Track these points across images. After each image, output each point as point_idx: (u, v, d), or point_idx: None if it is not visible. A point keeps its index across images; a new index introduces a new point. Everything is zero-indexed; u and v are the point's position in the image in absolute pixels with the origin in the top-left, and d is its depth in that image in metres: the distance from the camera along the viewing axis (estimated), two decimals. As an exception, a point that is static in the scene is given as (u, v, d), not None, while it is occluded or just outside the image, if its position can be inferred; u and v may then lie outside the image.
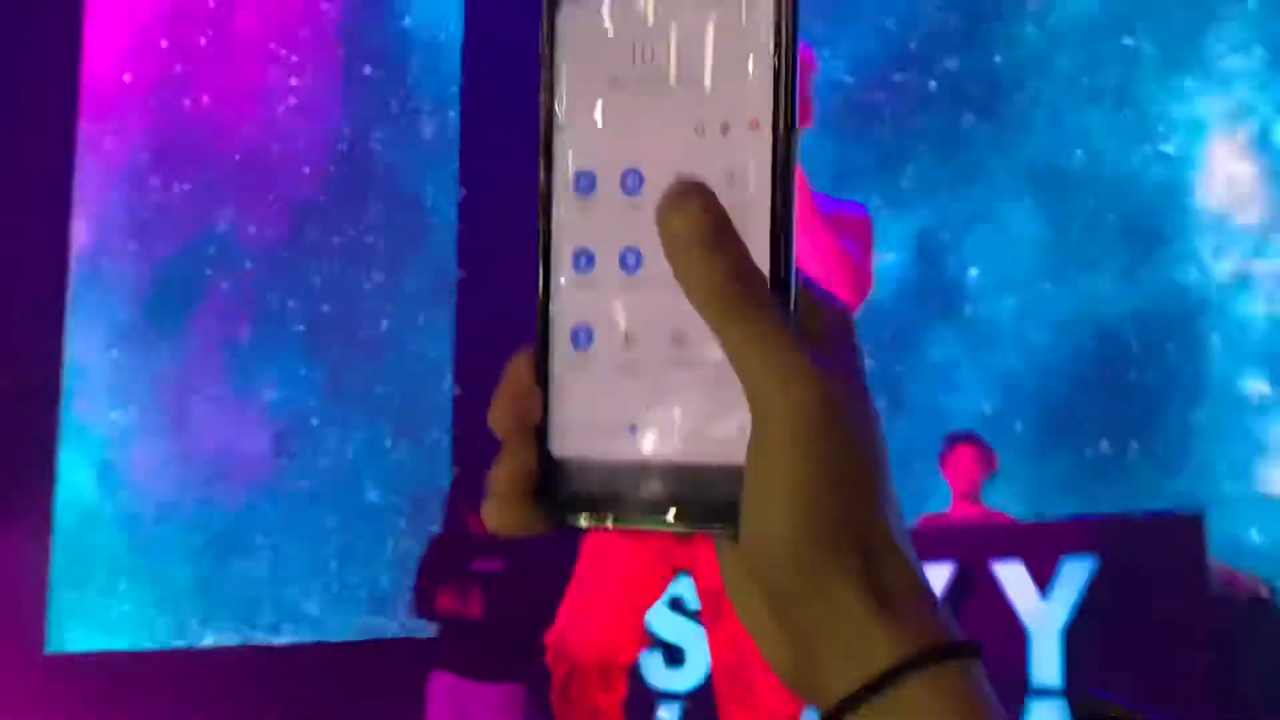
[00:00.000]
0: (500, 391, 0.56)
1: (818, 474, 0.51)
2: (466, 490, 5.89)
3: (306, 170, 7.70)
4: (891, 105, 7.14)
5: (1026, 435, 6.83)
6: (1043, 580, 4.78)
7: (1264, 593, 5.22)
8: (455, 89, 7.10)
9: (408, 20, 7.57)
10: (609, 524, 0.54)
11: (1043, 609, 4.73)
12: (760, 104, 0.53)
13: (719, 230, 0.52)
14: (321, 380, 7.43)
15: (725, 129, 0.53)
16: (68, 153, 7.97)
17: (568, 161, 0.55)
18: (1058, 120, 7.00)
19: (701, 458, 0.53)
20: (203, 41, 8.06)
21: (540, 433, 0.55)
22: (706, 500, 0.53)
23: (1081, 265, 6.88)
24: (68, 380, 7.89)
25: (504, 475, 0.55)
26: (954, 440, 5.86)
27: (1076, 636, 4.67)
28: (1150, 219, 6.78)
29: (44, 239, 7.72)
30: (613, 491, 0.54)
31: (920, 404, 6.77)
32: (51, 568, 7.44)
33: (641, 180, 0.54)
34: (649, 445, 0.54)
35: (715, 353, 0.52)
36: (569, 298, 0.55)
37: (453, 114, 7.23)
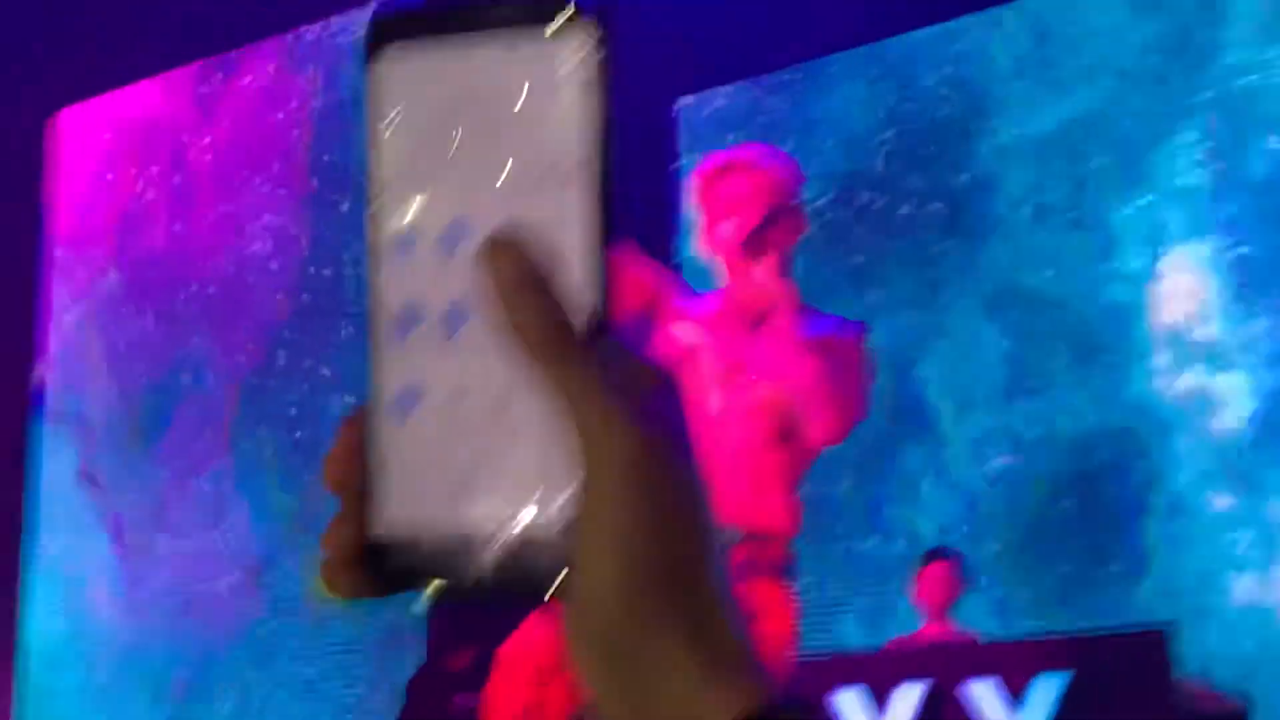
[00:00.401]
0: (331, 452, 0.55)
1: (643, 521, 0.51)
2: (442, 629, 5.85)
3: (279, 297, 7.73)
4: (855, 224, 7.23)
5: (995, 553, 6.84)
6: (1014, 698, 4.77)
7: (1231, 707, 5.21)
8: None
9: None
10: (432, 592, 0.53)
11: (1016, 727, 4.71)
12: (577, 152, 0.53)
13: (537, 275, 0.52)
14: (296, 510, 7.39)
15: (543, 180, 0.53)
16: (37, 282, 7.98)
17: (389, 214, 0.54)
18: (1016, 238, 7.09)
19: (528, 523, 0.52)
20: (173, 171, 8.11)
21: (368, 496, 0.54)
22: (533, 566, 0.52)
23: (1044, 382, 6.93)
24: (32, 514, 7.84)
25: (334, 538, 0.54)
26: (928, 557, 5.88)
27: (1050, 755, 4.65)
28: (1110, 335, 6.86)
29: (8, 369, 7.71)
30: (438, 559, 0.53)
31: (889, 523, 6.79)
32: (14, 708, 7.34)
33: (465, 230, 0.53)
34: (474, 511, 0.53)
35: (539, 415, 0.52)
36: (394, 358, 0.54)
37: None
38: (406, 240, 0.54)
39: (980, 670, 4.89)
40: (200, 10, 7.45)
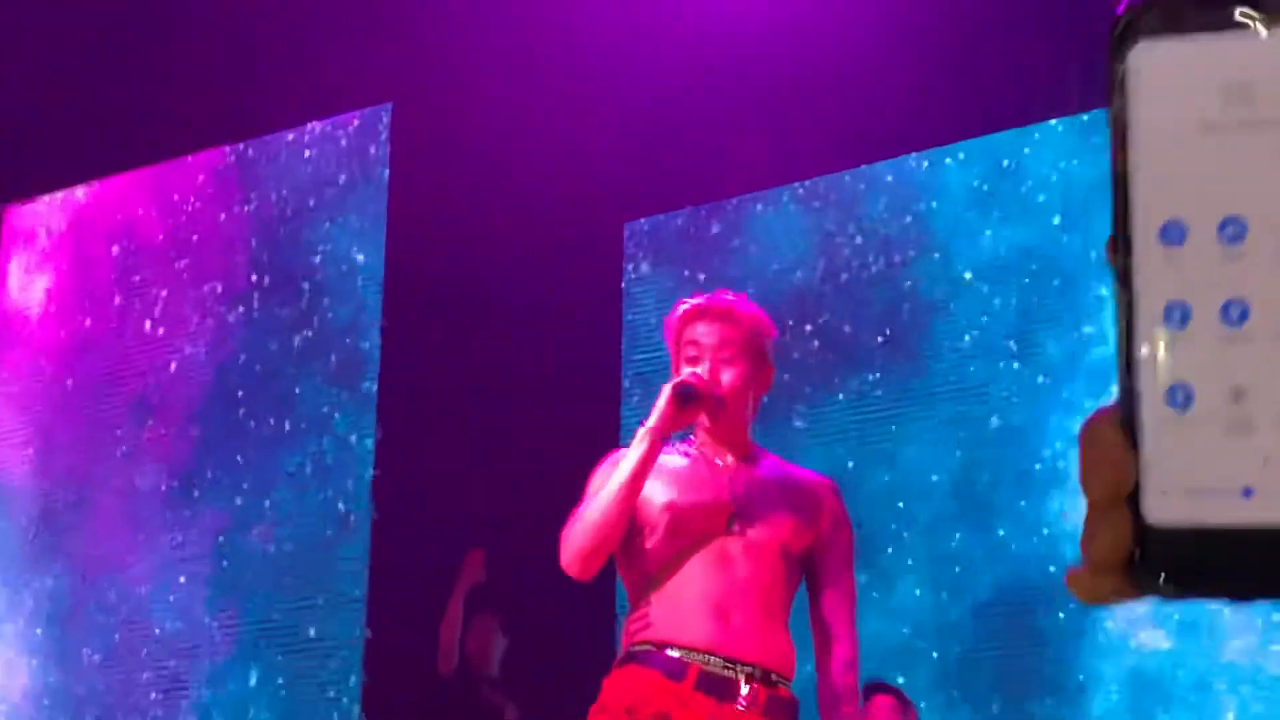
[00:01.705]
0: (1091, 456, 0.53)
1: None
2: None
3: (212, 405, 7.58)
4: (797, 351, 7.23)
5: (936, 685, 6.78)
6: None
7: None
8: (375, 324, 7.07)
9: (319, 256, 7.57)
10: (1216, 595, 0.51)
11: None
12: None
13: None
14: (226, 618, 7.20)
15: None
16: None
17: (1151, 212, 0.52)
18: (962, 367, 7.12)
19: None
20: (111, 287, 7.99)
21: (1134, 498, 0.52)
22: None
23: (987, 514, 6.94)
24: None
25: (1100, 543, 0.53)
26: (870, 690, 5.81)
27: None
28: (1051, 466, 6.88)
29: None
30: (1220, 560, 0.51)
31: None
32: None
33: (1244, 229, 0.51)
34: (1267, 510, 0.50)
35: None
36: (1162, 355, 0.52)
37: (366, 344, 7.19)
38: (1175, 234, 0.52)
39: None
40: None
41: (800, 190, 7.60)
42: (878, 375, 7.33)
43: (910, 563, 7.07)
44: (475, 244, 7.03)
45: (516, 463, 6.63)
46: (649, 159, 7.19)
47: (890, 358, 7.31)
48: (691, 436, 3.27)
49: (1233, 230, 0.51)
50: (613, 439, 5.64)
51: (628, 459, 3.09)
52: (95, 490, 7.66)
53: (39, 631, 7.65)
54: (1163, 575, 0.51)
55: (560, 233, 6.86)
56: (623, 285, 7.75)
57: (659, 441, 3.11)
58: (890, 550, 7.07)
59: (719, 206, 7.71)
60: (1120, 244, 0.53)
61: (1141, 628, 6.54)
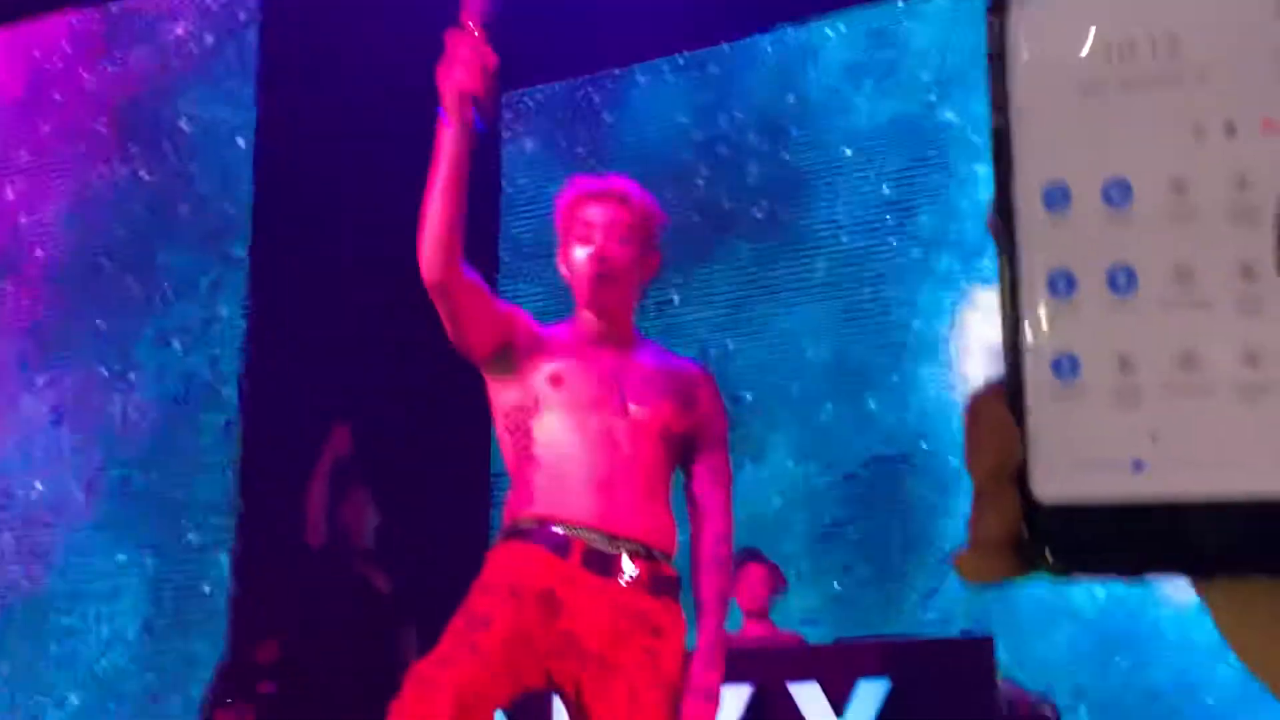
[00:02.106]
0: (975, 433, 0.51)
1: None
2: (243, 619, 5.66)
3: (74, 268, 7.39)
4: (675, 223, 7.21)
5: (807, 555, 6.88)
6: (838, 702, 4.77)
7: (1047, 712, 5.31)
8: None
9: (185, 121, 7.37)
10: (1108, 573, 0.49)
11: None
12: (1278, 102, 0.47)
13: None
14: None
15: (1231, 130, 0.48)
16: None
17: (1032, 175, 0.50)
18: (836, 240, 7.15)
19: (1225, 490, 0.48)
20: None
21: (1021, 475, 0.50)
22: (1234, 540, 0.48)
23: (859, 385, 7.01)
24: None
25: (988, 523, 0.51)
26: (741, 558, 5.86)
27: (872, 758, 4.67)
28: (923, 338, 6.96)
29: None
30: (1111, 537, 0.49)
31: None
32: None
33: (1129, 191, 0.49)
34: (1160, 482, 0.48)
35: (1239, 375, 0.47)
36: (1046, 325, 0.50)
37: (234, 209, 7.04)
38: (1059, 197, 0.50)
39: (803, 673, 4.89)
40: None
41: (680, 61, 7.53)
42: (755, 248, 7.33)
43: (782, 434, 7.14)
44: (347, 111, 6.88)
45: (388, 333, 6.56)
46: (529, 28, 7.07)
47: (768, 231, 7.31)
48: (575, 317, 3.26)
49: (1117, 193, 0.49)
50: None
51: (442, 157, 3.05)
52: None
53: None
54: (1052, 554, 0.50)
55: (435, 102, 6.74)
56: (500, 156, 7.65)
57: (459, 128, 3.05)
58: (762, 421, 7.13)
59: (598, 78, 7.62)
60: (1001, 208, 0.51)
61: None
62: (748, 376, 7.13)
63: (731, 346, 7.17)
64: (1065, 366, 0.50)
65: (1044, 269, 0.50)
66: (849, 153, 7.21)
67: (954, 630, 6.18)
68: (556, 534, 3.04)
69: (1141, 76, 0.49)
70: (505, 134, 7.50)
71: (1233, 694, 5.97)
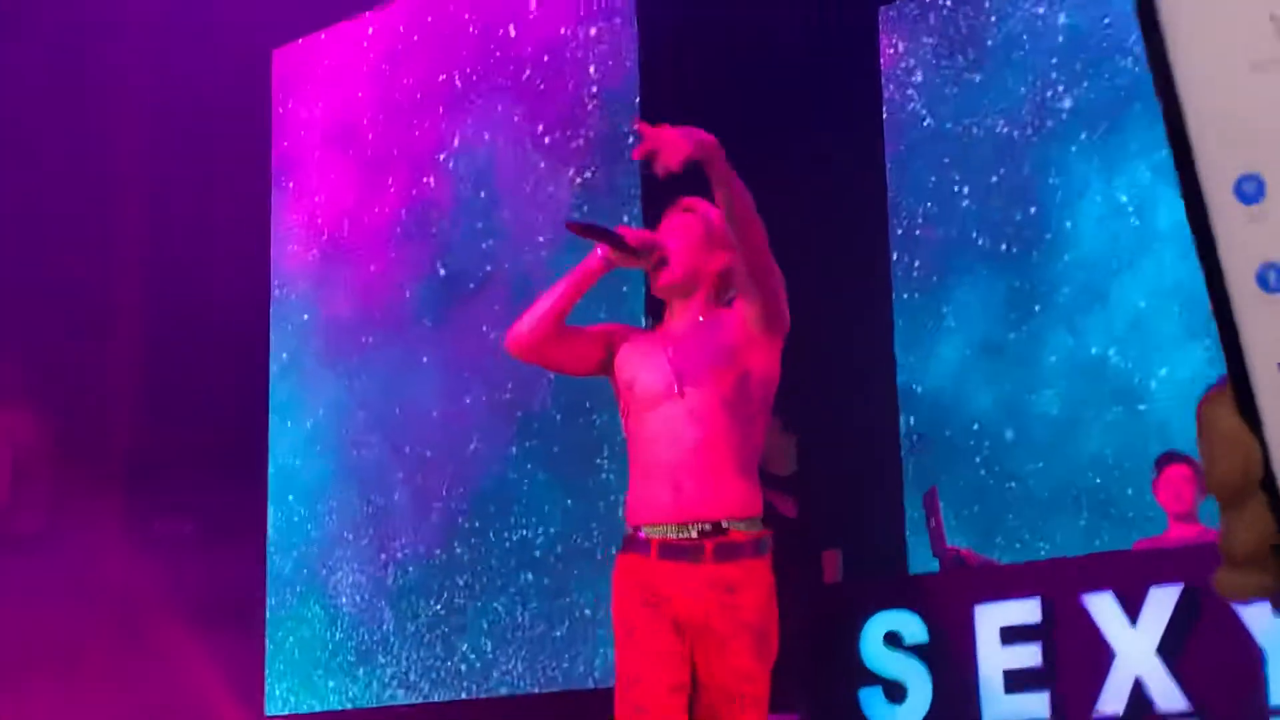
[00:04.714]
0: (1210, 447, 0.48)
1: None
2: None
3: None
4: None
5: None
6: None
7: None
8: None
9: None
10: None
11: (1278, 626, 4.56)
12: None
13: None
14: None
15: None
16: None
17: (1219, 168, 0.45)
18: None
19: None
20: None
21: (1268, 483, 0.47)
22: None
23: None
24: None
25: (1244, 537, 0.48)
26: (1165, 461, 5.72)
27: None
28: None
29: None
30: None
31: (1135, 423, 6.58)
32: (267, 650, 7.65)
33: None
34: None
35: None
36: (1266, 324, 0.45)
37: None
38: (1251, 187, 0.46)
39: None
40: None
41: None
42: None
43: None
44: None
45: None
46: None
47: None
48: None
49: None
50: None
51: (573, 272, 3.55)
52: None
53: None
54: None
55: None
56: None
57: (598, 260, 3.50)
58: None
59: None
60: (1193, 207, 0.46)
61: None
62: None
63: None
64: None
65: (1252, 267, 0.46)
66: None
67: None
68: (640, 538, 3.45)
69: None
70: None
71: None
